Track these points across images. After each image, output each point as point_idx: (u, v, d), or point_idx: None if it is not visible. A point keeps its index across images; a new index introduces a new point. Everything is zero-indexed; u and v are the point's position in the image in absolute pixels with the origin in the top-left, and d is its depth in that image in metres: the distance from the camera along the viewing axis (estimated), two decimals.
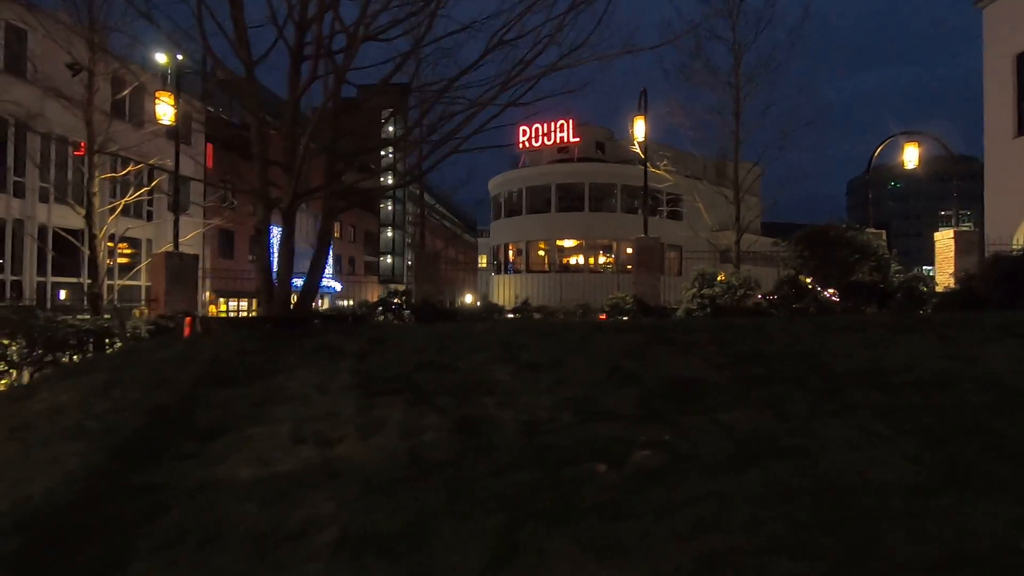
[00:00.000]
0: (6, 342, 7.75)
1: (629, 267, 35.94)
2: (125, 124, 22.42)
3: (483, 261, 50.60)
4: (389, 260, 59.37)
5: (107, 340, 8.96)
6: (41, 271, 20.67)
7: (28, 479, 3.66)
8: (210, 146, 28.32)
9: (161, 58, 12.89)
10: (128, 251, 24.79)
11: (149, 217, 24.95)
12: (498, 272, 40.07)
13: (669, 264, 25.13)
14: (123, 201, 14.54)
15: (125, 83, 16.53)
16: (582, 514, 3.07)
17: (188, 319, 6.66)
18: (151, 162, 13.64)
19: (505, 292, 32.35)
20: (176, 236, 12.82)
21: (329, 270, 43.33)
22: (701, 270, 12.30)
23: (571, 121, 37.21)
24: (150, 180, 20.05)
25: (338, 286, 41.76)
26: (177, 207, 13.99)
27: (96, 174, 12.54)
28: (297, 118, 7.44)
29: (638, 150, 15.93)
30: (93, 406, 4.53)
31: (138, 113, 23.52)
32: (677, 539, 2.81)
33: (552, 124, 37.49)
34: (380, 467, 3.68)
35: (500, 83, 7.15)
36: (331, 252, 40.17)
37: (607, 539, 2.85)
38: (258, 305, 8.06)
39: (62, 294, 21.70)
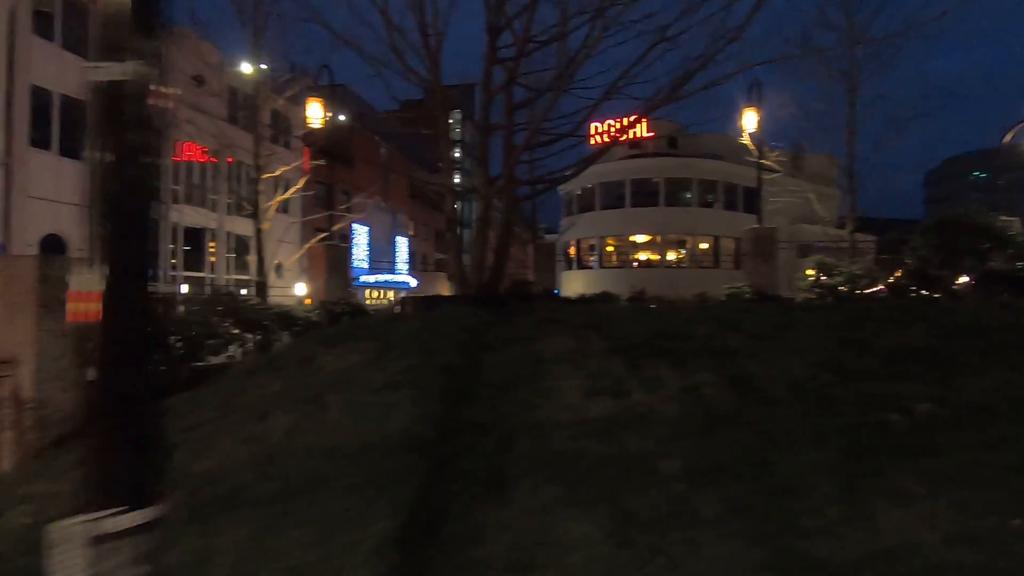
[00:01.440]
0: (216, 320, 8.80)
1: (706, 263, 35.46)
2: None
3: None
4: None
5: (292, 322, 10.00)
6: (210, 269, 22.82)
7: (382, 418, 4.40)
8: (306, 150, 30.04)
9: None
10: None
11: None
12: (569, 268, 40.43)
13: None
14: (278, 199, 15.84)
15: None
16: (903, 451, 3.49)
17: (398, 300, 7.42)
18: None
19: (577, 288, 32.71)
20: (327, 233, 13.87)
21: (405, 266, 44.85)
22: (820, 259, 12.38)
23: (644, 116, 37.04)
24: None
25: (414, 281, 43.18)
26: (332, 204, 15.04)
27: (260, 188, 13.83)
28: (488, 117, 8.11)
29: (747, 142, 15.99)
30: (386, 366, 5.28)
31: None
32: (1009, 469, 3.19)
33: (625, 120, 37.51)
34: (676, 414, 4.21)
35: (676, 80, 7.59)
36: (408, 249, 41.49)
37: (943, 470, 3.26)
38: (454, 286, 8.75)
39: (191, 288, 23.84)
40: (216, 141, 23.84)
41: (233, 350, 9.17)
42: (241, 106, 21.25)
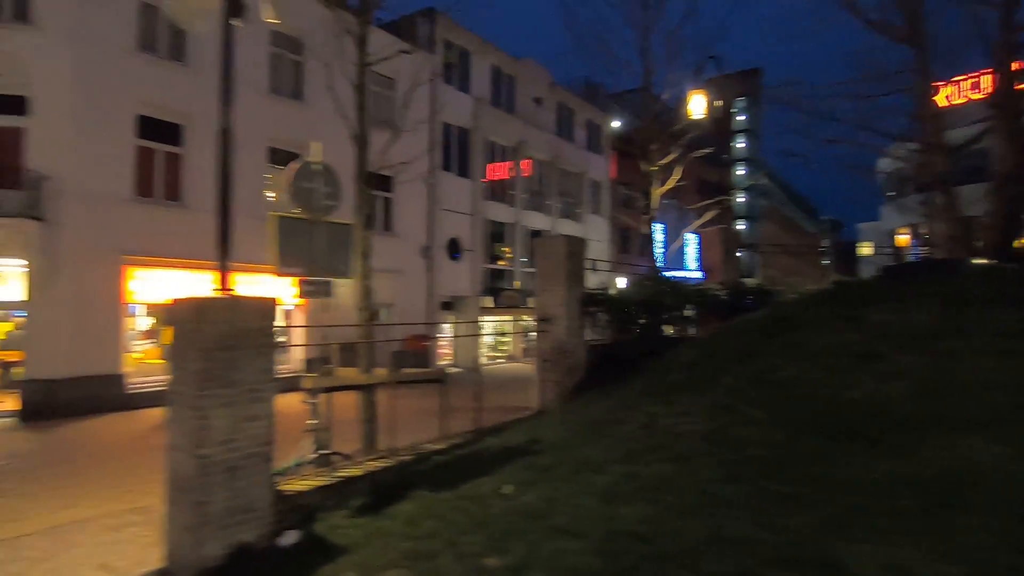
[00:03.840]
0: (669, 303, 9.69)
1: None
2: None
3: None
4: (738, 254, 57.27)
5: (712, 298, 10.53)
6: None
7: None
8: (613, 156, 32.00)
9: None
10: None
11: (578, 218, 29.55)
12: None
13: None
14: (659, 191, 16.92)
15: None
16: None
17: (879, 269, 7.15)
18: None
19: None
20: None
21: (695, 263, 43.99)
22: None
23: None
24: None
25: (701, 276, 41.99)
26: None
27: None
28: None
29: None
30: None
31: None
32: None
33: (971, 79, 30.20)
34: None
35: None
36: (697, 245, 40.06)
37: None
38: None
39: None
40: (550, 152, 27.04)
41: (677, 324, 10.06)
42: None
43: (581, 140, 29.92)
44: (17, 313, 12.44)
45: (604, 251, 31.30)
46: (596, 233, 30.65)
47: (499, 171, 24.01)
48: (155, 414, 11.64)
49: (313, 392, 5.53)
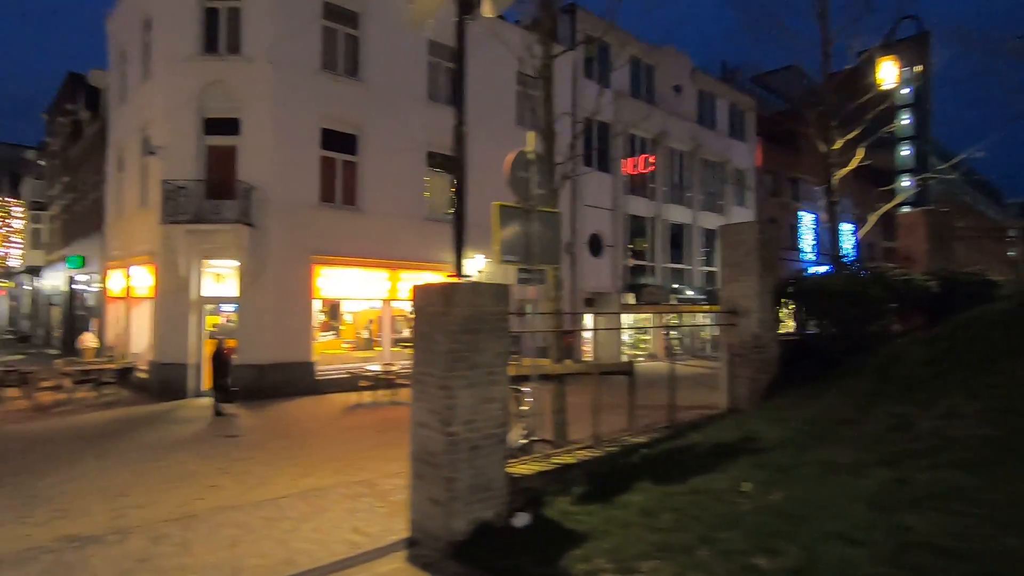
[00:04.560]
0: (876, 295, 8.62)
1: None
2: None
3: None
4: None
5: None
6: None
7: None
8: (759, 142, 29.77)
9: None
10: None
11: (720, 210, 27.90)
12: None
13: None
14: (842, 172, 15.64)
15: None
16: None
17: None
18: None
19: None
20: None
21: (851, 254, 39.55)
22: None
23: None
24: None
25: None
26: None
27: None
28: None
29: None
30: None
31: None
32: None
33: None
34: None
35: None
36: (854, 236, 36.11)
37: None
38: None
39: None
40: (691, 142, 25.81)
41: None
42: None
43: (724, 127, 28.21)
44: (230, 307, 14.38)
45: None
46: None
47: (638, 164, 23.38)
48: (339, 399, 12.82)
49: (524, 381, 5.62)
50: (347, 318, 15.60)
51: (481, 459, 4.47)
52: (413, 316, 4.69)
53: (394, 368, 13.48)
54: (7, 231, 13.16)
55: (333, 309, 15.13)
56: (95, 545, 4.71)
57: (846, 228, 40.03)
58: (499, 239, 5.00)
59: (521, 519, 4.62)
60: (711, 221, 27.30)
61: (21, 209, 26.09)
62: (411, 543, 4.58)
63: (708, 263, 27.22)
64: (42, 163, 31.94)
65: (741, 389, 7.64)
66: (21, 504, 5.87)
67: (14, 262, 25.87)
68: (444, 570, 4.10)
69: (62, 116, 25.31)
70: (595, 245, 21.26)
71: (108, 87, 18.72)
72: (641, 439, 6.20)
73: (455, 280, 4.33)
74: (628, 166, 22.84)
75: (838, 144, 12.02)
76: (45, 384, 13.48)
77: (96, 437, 9.22)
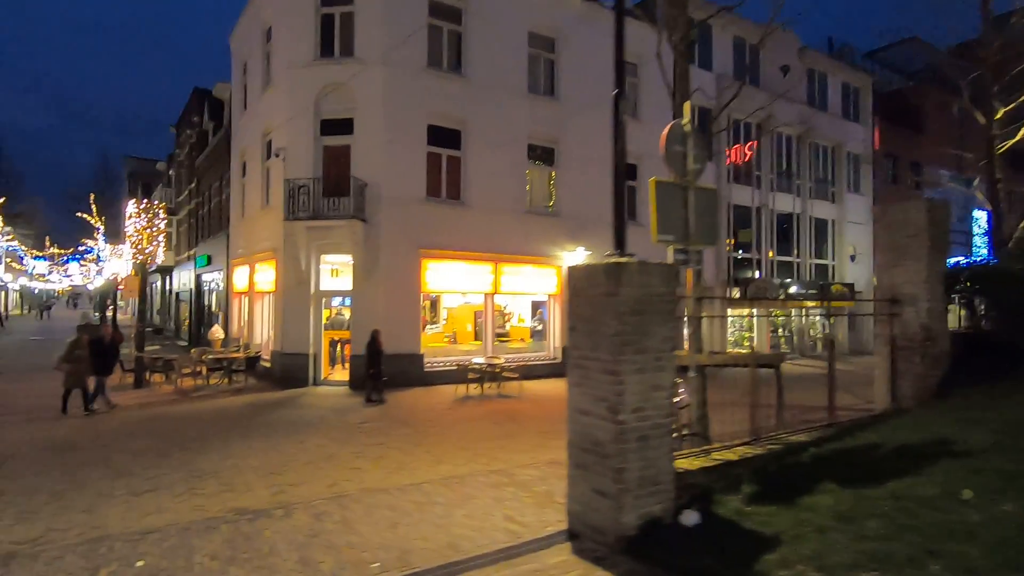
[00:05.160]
0: None
1: None
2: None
3: None
4: None
5: None
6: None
7: None
8: (877, 123, 27.23)
9: None
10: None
11: (833, 198, 25.82)
12: None
13: None
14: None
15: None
16: None
17: None
18: None
19: None
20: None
21: (983, 243, 35.37)
22: None
23: None
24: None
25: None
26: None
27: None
28: None
29: None
30: None
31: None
32: None
33: None
34: None
35: None
36: (988, 223, 32.37)
37: None
38: None
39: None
40: (800, 125, 24.03)
41: None
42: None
43: (836, 108, 26.04)
44: (342, 301, 15.03)
45: (866, 235, 26.78)
46: (855, 214, 26.38)
47: (740, 151, 22.08)
48: (447, 390, 12.98)
49: (688, 370, 5.27)
50: (445, 312, 15.87)
51: (650, 450, 4.18)
52: (570, 298, 4.48)
53: (498, 361, 13.49)
54: (153, 232, 14.55)
55: (432, 303, 15.41)
56: (265, 519, 4.91)
57: (979, 215, 35.90)
58: (656, 218, 4.68)
59: (690, 517, 4.29)
60: (822, 210, 25.31)
61: (163, 212, 28.85)
62: (572, 535, 4.38)
63: (819, 255, 25.25)
64: (171, 173, 35.27)
65: (906, 387, 6.82)
66: (189, 477, 6.29)
67: (159, 260, 28.71)
68: (617, 565, 3.85)
69: (188, 128, 27.75)
70: None
71: (231, 98, 20.23)
72: (802, 437, 5.66)
73: (622, 260, 4.06)
74: (733, 154, 21.62)
75: (999, 114, 10.56)
76: (185, 371, 14.74)
77: (236, 419, 9.86)
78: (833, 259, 25.99)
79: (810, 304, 22.93)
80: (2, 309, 42.83)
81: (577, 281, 4.43)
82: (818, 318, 25.66)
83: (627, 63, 19.92)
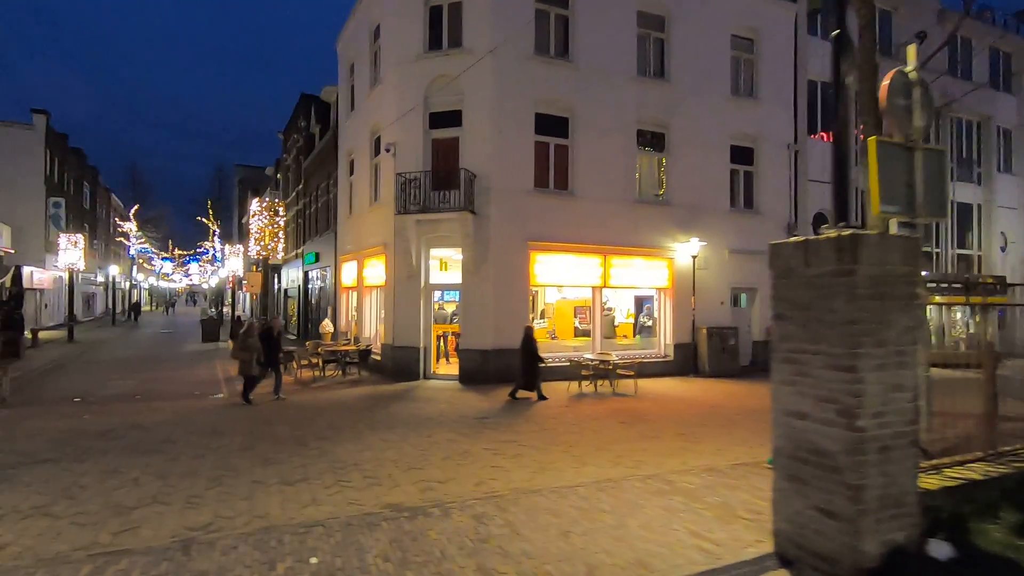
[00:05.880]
0: None
1: None
2: None
3: None
4: None
5: None
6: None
7: None
8: None
9: None
10: None
11: (979, 180, 22.80)
12: None
13: None
14: None
15: None
16: None
17: None
18: None
19: None
20: None
21: None
22: None
23: None
24: None
25: None
26: None
27: None
28: None
29: None
30: None
31: None
32: None
33: None
34: None
35: None
36: None
37: None
38: None
39: None
40: (940, 97, 21.35)
41: None
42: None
43: (983, 77, 22.90)
44: (452, 295, 14.97)
45: (1019, 221, 23.39)
46: (1006, 198, 23.11)
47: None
48: (559, 387, 12.49)
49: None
50: (542, 307, 15.39)
51: (892, 464, 3.43)
52: (776, 281, 3.81)
53: (611, 358, 12.83)
54: (274, 228, 15.29)
55: (533, 299, 14.97)
56: (423, 517, 4.63)
57: None
58: (877, 186, 3.88)
59: (941, 548, 3.49)
60: (966, 193, 22.37)
61: (283, 209, 30.46)
62: (784, 561, 3.71)
63: (961, 245, 22.35)
64: (278, 176, 37.47)
65: None
66: (333, 467, 6.21)
67: (279, 255, 30.39)
68: None
69: (295, 133, 29.23)
70: (821, 224, 18.47)
71: (337, 100, 20.92)
72: None
73: (859, 231, 3.33)
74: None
75: None
76: (303, 363, 15.29)
77: (360, 411, 9.92)
78: (979, 249, 22.92)
79: (956, 300, 20.25)
80: (133, 306, 47.55)
81: (788, 259, 3.74)
82: (959, 315, 22.71)
83: (742, 38, 18.68)
